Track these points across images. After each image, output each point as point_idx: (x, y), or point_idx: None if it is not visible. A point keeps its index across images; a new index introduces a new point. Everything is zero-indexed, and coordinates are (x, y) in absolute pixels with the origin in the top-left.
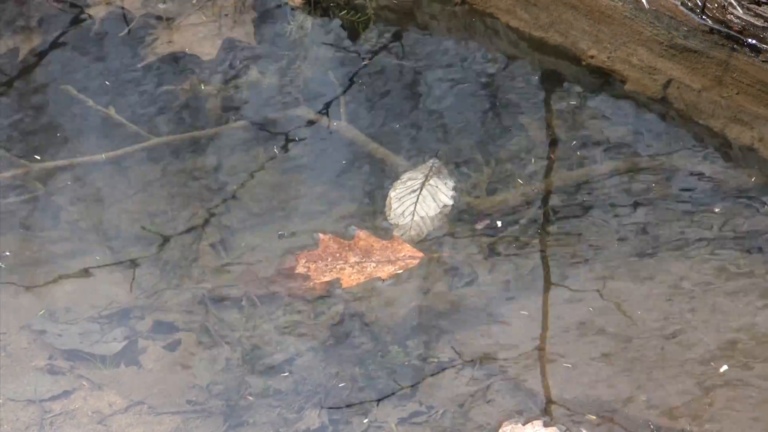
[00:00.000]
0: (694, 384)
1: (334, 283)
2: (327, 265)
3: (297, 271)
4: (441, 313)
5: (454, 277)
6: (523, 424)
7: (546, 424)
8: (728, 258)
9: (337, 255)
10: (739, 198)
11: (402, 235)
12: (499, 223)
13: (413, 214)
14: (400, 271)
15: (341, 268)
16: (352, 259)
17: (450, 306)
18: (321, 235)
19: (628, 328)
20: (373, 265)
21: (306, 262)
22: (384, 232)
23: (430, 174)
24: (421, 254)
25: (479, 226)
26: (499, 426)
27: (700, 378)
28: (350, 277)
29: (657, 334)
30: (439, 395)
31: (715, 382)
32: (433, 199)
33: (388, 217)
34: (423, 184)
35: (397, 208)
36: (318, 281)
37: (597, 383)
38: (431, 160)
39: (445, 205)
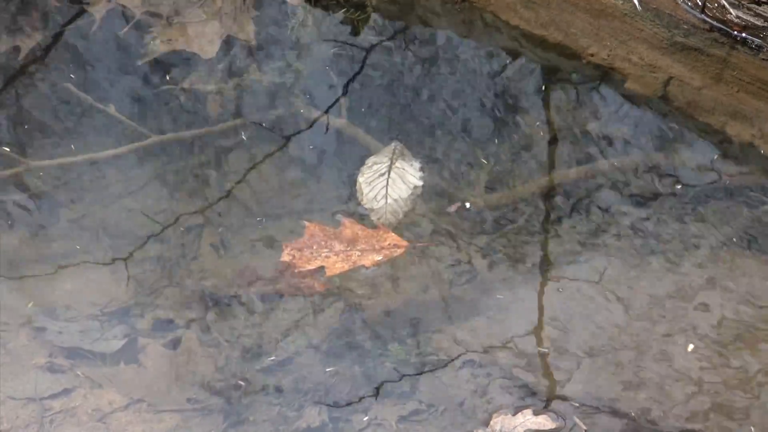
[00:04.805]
0: (695, 380)
1: (319, 271)
2: (312, 253)
3: (282, 259)
4: (441, 311)
5: (454, 275)
6: (513, 415)
7: (536, 413)
8: (729, 255)
9: (323, 243)
10: (740, 195)
11: (379, 218)
12: (467, 205)
13: (386, 198)
14: (385, 260)
15: (326, 256)
16: (338, 248)
17: (451, 303)
18: (307, 223)
19: (628, 324)
20: (358, 253)
21: (291, 249)
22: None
23: (395, 157)
24: (405, 243)
25: (451, 209)
26: (490, 418)
27: (702, 375)
28: (335, 265)
29: (657, 331)
30: (439, 393)
31: (719, 379)
32: (403, 181)
33: (361, 202)
34: (390, 168)
35: (368, 192)
36: (303, 269)
37: (597, 379)
38: (393, 143)
39: (415, 186)
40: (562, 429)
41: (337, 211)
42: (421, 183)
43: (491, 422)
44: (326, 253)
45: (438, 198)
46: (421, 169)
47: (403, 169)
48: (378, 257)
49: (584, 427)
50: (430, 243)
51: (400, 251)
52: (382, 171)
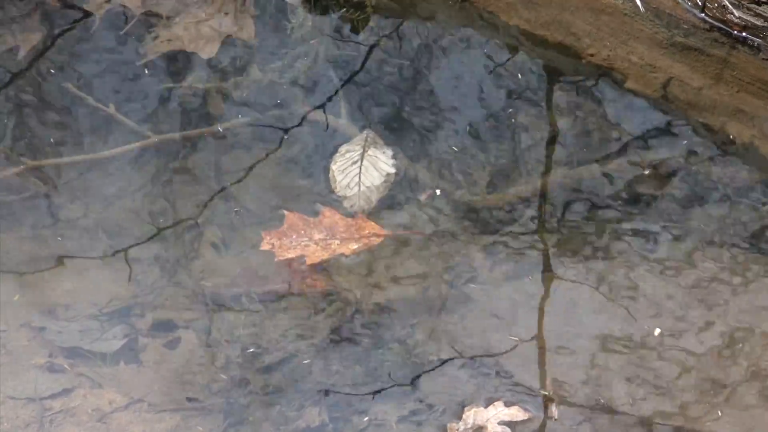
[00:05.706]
0: (694, 381)
1: (299, 260)
2: (292, 242)
3: (261, 248)
4: (442, 311)
5: (454, 275)
6: (485, 407)
7: (507, 405)
8: (728, 256)
9: (302, 232)
10: (740, 195)
11: (352, 206)
12: (438, 192)
13: (359, 185)
14: (364, 248)
15: (306, 245)
16: (317, 236)
17: (451, 304)
18: (286, 212)
19: (627, 325)
20: (338, 242)
21: (270, 239)
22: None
23: (367, 145)
24: (384, 232)
25: (423, 197)
26: (462, 411)
27: (700, 374)
28: (314, 254)
29: (656, 332)
30: (439, 393)
31: (718, 382)
32: (375, 168)
33: (334, 190)
34: (362, 155)
35: (341, 180)
36: (283, 258)
37: (597, 379)
38: (365, 131)
39: (388, 174)
40: (535, 419)
41: (317, 201)
42: (394, 170)
43: (463, 415)
44: (306, 242)
45: (420, 191)
46: (394, 157)
47: (376, 156)
48: (357, 246)
49: (555, 417)
50: (410, 232)
51: (379, 240)
52: (355, 159)
